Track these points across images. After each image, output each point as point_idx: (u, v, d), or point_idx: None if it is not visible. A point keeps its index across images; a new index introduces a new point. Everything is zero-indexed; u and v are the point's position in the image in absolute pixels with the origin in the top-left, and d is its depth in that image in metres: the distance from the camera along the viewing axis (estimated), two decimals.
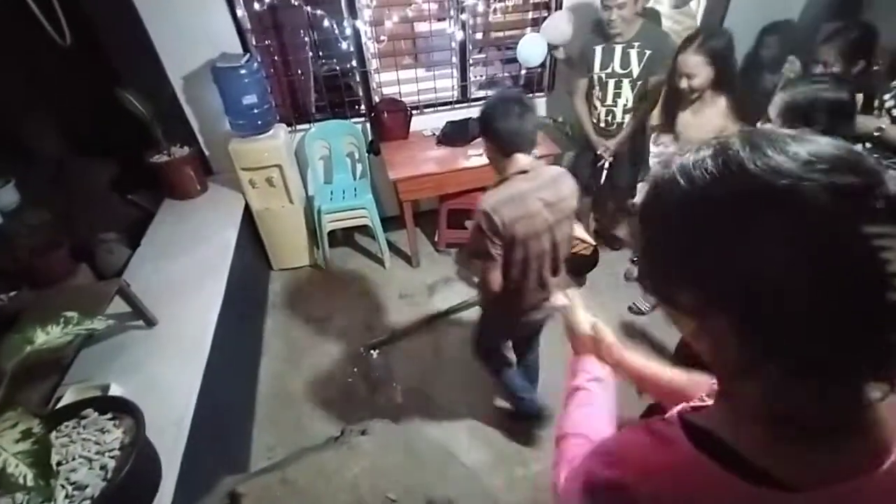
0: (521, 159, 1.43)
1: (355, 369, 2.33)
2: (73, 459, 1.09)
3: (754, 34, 2.69)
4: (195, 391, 1.56)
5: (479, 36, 2.92)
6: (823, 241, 0.34)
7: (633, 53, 2.22)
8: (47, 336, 1.08)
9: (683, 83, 1.86)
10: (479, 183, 2.75)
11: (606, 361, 0.86)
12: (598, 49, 2.27)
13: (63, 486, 1.03)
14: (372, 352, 2.41)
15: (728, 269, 0.37)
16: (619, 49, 2.23)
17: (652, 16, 2.56)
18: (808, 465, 0.40)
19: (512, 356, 1.95)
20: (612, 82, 2.33)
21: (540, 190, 1.42)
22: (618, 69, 2.27)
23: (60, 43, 1.86)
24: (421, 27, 2.86)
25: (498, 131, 1.39)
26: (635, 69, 2.24)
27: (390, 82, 2.85)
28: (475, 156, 2.70)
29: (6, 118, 2.10)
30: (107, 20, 2.23)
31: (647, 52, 2.20)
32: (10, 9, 1.72)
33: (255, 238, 2.79)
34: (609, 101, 2.39)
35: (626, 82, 2.30)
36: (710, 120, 1.87)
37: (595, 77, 2.35)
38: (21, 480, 0.76)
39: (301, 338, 2.55)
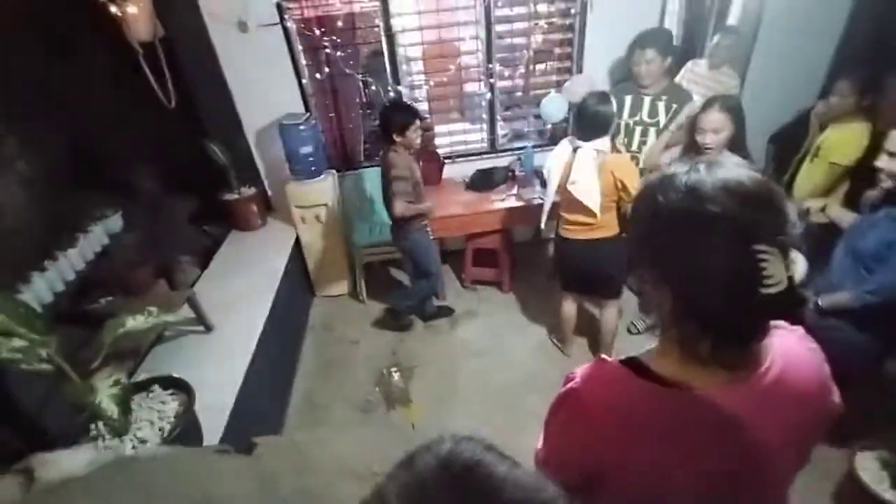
0: None
1: (377, 388, 2.55)
2: (141, 421, 1.40)
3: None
4: (237, 387, 1.86)
5: (506, 95, 3.28)
6: (728, 252, 0.53)
7: (661, 105, 2.48)
8: (135, 322, 1.42)
9: (707, 138, 1.95)
10: (501, 224, 3.01)
11: None
12: (628, 98, 2.52)
13: (131, 440, 1.32)
14: (394, 373, 2.62)
15: (672, 259, 0.58)
16: (647, 100, 2.49)
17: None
18: (703, 378, 0.60)
19: None
20: (638, 129, 2.57)
21: None
22: (646, 118, 2.53)
23: (167, 105, 2.41)
24: (454, 88, 3.27)
25: None
26: (662, 119, 2.49)
27: (430, 135, 3.24)
28: (498, 200, 2.98)
29: (122, 163, 2.67)
30: (204, 87, 2.81)
31: (674, 106, 2.45)
32: (132, 78, 2.29)
33: (302, 267, 3.17)
34: (635, 147, 2.61)
35: (652, 131, 2.54)
36: None
37: (622, 124, 2.58)
38: (109, 413, 1.05)
39: (333, 357, 2.82)
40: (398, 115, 2.41)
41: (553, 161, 2.21)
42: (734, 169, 0.56)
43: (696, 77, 2.91)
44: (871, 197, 1.78)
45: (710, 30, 3.08)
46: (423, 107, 3.24)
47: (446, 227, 2.99)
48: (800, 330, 0.68)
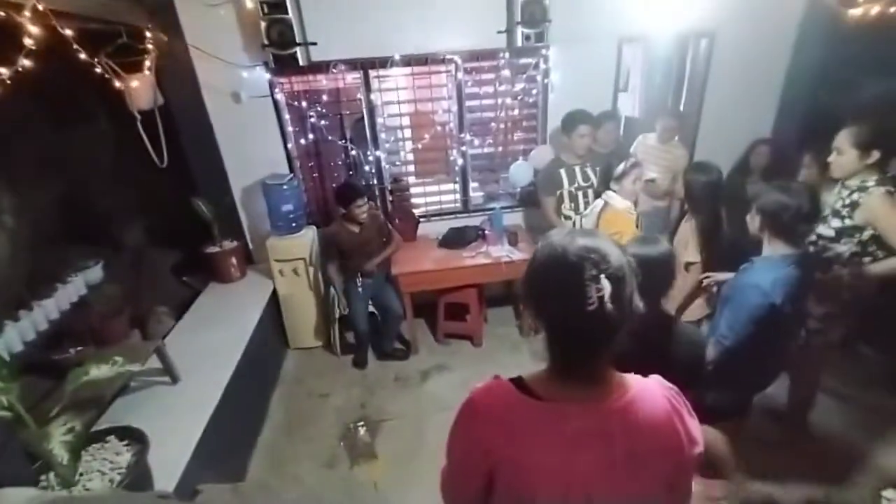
0: None
1: (342, 443, 2.54)
2: (92, 472, 1.42)
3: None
4: (196, 439, 1.87)
5: (478, 161, 3.54)
6: (569, 280, 0.70)
7: (589, 170, 2.86)
8: (99, 371, 1.49)
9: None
10: (471, 280, 3.15)
11: None
12: (563, 171, 2.80)
13: (80, 492, 1.35)
14: (360, 428, 2.63)
15: (538, 300, 0.77)
16: (577, 168, 2.82)
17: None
18: (562, 393, 0.77)
19: None
20: (580, 194, 2.83)
21: None
22: (582, 183, 2.83)
23: (158, 164, 2.60)
24: (435, 153, 3.54)
25: None
26: (594, 181, 2.86)
27: (405, 196, 3.45)
28: (469, 257, 3.14)
29: (110, 217, 2.81)
30: (195, 149, 3.02)
31: (597, 168, 2.87)
32: (128, 140, 2.49)
33: (277, 319, 3.24)
34: (581, 209, 2.84)
35: (590, 192, 2.85)
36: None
37: (566, 192, 2.84)
38: (60, 459, 1.10)
39: (302, 411, 2.82)
40: (345, 193, 2.83)
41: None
42: (593, 238, 0.75)
43: (648, 149, 3.21)
44: None
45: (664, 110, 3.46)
46: (406, 169, 3.49)
47: (419, 282, 3.11)
48: (663, 382, 0.82)
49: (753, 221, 1.69)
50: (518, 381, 0.81)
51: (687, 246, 2.21)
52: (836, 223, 1.93)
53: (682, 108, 3.66)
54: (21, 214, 2.12)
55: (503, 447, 0.76)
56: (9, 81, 1.65)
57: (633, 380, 0.80)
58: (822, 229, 1.98)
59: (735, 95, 3.35)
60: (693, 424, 0.80)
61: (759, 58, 3.28)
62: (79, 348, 2.24)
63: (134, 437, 1.56)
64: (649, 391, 0.79)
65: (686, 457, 0.77)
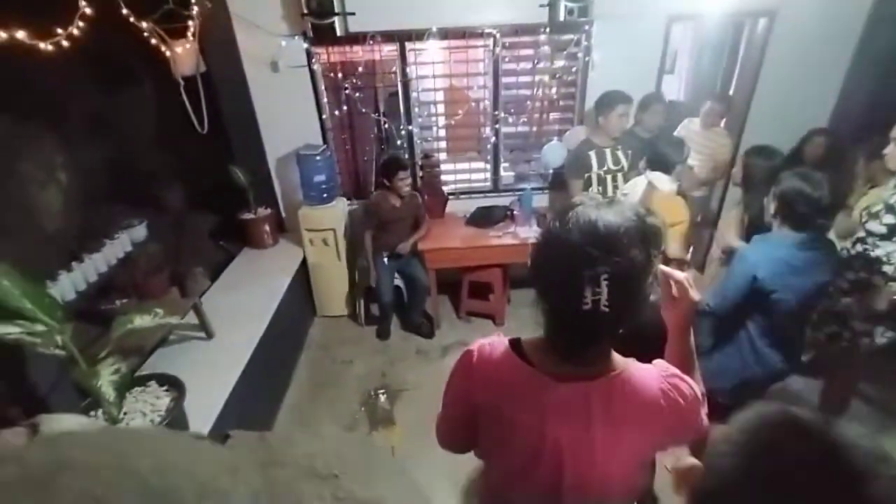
0: None
1: (363, 408, 2.64)
2: (135, 413, 1.54)
3: None
4: (228, 392, 1.99)
5: (511, 140, 3.49)
6: (567, 270, 0.68)
7: (620, 153, 2.74)
8: (142, 321, 1.59)
9: None
10: (497, 259, 3.15)
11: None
12: (593, 153, 2.71)
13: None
14: (381, 395, 2.71)
15: (542, 272, 0.74)
16: (608, 151, 2.72)
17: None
18: (550, 365, 0.77)
19: None
20: (609, 178, 2.75)
21: None
22: (612, 166, 2.73)
23: (199, 130, 2.69)
24: (467, 130, 3.51)
25: None
26: (625, 163, 2.75)
27: (435, 172, 3.45)
28: (495, 237, 3.13)
29: (153, 179, 2.94)
30: (234, 117, 3.10)
31: (629, 151, 2.74)
32: (171, 105, 2.58)
33: (306, 286, 3.35)
34: (610, 193, 2.76)
35: (619, 175, 2.75)
36: None
37: (595, 175, 2.76)
38: (107, 396, 1.20)
39: (326, 375, 2.93)
40: (391, 165, 2.92)
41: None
42: (612, 212, 0.69)
43: (691, 134, 3.08)
44: None
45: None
46: (437, 145, 3.48)
47: (444, 258, 3.14)
48: (666, 369, 0.81)
49: (769, 206, 1.66)
50: (516, 343, 0.83)
51: (729, 231, 2.14)
52: (889, 219, 1.82)
53: (731, 92, 3.47)
54: (73, 172, 2.25)
55: (487, 396, 0.82)
56: (65, 43, 1.74)
57: (626, 363, 0.78)
58: (873, 225, 1.86)
59: (793, 81, 3.14)
60: (688, 412, 0.77)
61: (822, 41, 3.05)
62: (123, 300, 2.39)
63: (172, 384, 1.68)
64: (639, 376, 0.77)
65: (668, 441, 0.78)
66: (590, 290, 0.65)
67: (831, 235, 1.97)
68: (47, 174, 2.14)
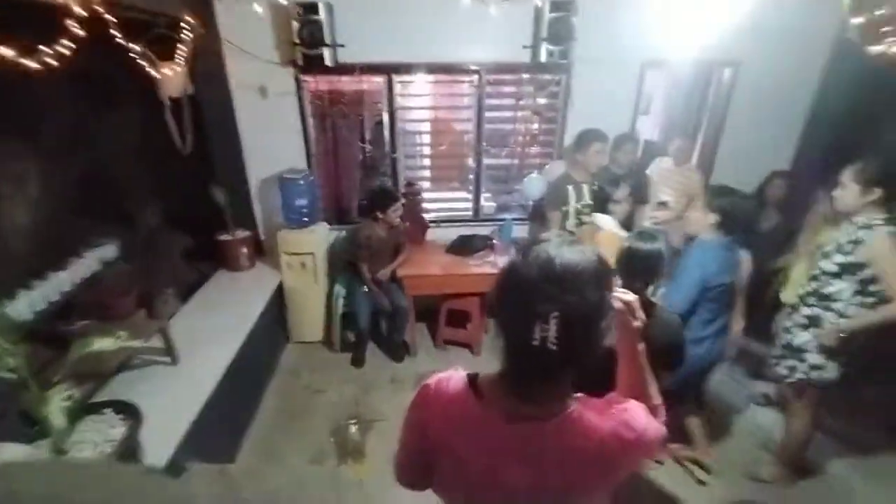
0: None
1: (332, 439, 2.54)
2: (86, 442, 1.45)
3: None
4: (190, 421, 1.90)
5: (493, 171, 3.56)
6: (520, 305, 0.69)
7: (586, 189, 2.86)
8: (102, 343, 1.52)
9: None
10: (475, 288, 3.15)
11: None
12: (570, 188, 2.79)
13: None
14: (351, 426, 2.63)
15: (501, 311, 0.74)
16: (584, 186, 2.82)
17: None
18: (504, 401, 0.76)
19: None
20: (587, 211, 2.86)
21: None
22: (588, 201, 2.84)
23: (181, 150, 2.67)
24: (450, 160, 3.57)
25: None
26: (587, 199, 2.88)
27: (417, 200, 3.48)
28: (475, 265, 3.14)
29: (128, 197, 2.88)
30: (218, 138, 3.10)
31: (594, 187, 2.88)
32: (155, 124, 2.56)
33: (280, 311, 3.27)
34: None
35: (588, 210, 2.86)
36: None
37: (572, 209, 2.83)
38: (56, 424, 1.13)
39: (295, 404, 2.83)
40: (384, 197, 3.00)
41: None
42: (573, 251, 0.71)
43: (663, 171, 3.21)
44: None
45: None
46: (420, 174, 3.53)
47: (423, 285, 3.13)
48: (619, 404, 0.80)
49: (707, 219, 2.00)
50: (474, 378, 0.82)
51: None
52: (838, 258, 1.91)
53: (701, 134, 3.65)
54: (45, 186, 2.19)
55: (440, 432, 0.81)
56: (54, 63, 1.72)
57: (578, 402, 0.77)
58: (825, 264, 1.95)
59: (756, 126, 3.34)
60: (640, 446, 0.77)
61: (782, 90, 3.27)
62: (84, 322, 2.29)
63: (128, 412, 1.59)
64: (590, 416, 0.75)
65: (623, 475, 0.78)
66: (539, 326, 0.65)
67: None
68: (14, 187, 2.08)
